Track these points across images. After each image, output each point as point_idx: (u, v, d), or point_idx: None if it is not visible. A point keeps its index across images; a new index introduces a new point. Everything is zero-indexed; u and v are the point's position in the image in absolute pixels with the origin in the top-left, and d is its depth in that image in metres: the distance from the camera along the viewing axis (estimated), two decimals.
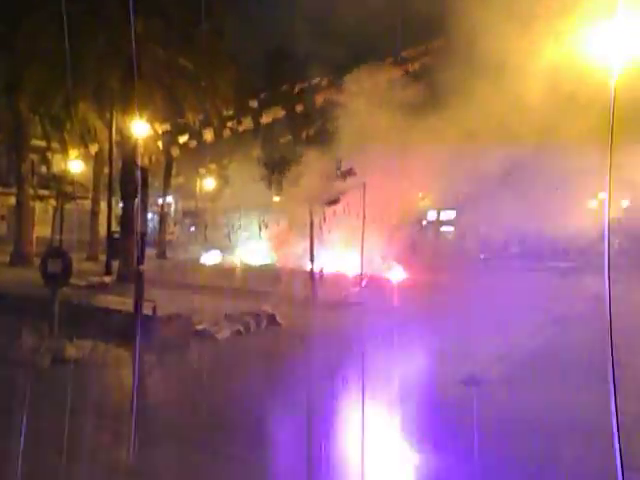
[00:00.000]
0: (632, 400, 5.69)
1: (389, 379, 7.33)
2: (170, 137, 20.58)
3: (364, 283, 17.68)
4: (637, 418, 5.32)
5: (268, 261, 24.96)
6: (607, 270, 2.08)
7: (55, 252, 8.19)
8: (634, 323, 10.42)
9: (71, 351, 7.60)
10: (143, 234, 9.91)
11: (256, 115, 19.93)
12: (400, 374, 7.53)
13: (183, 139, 20.61)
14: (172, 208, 38.94)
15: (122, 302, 9.83)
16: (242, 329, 10.00)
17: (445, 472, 4.73)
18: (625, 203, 28.59)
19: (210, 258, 24.08)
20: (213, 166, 31.97)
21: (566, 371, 7.94)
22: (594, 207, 34.11)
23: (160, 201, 29.78)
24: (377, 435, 5.54)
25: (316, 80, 21.41)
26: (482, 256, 31.65)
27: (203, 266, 22.83)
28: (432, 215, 37.41)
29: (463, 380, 7.22)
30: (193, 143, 21.14)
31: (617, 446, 2.07)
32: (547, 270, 25.94)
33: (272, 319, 10.77)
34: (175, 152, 22.47)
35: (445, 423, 5.75)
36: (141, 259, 9.05)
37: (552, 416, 6.02)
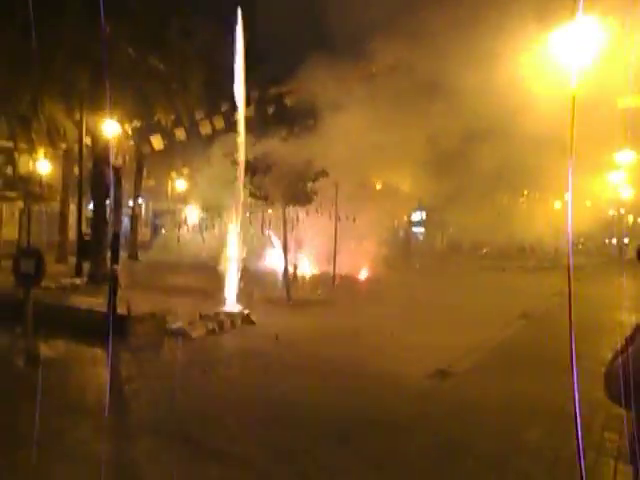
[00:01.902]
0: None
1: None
2: (141, 137, 20.43)
3: (336, 282, 17.92)
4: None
5: (243, 262, 24.96)
6: (570, 267, 2.31)
7: (28, 252, 8.14)
8: (590, 316, 11.00)
9: (45, 351, 7.58)
10: (116, 234, 9.86)
11: (228, 116, 19.96)
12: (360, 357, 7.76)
13: (154, 139, 20.47)
14: (143, 210, 38.55)
15: (95, 303, 9.81)
16: (217, 328, 10.09)
17: None
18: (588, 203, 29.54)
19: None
20: (185, 168, 31.80)
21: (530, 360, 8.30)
22: (559, 208, 35.13)
23: (131, 203, 29.50)
24: None
25: (289, 81, 21.58)
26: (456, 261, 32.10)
27: (177, 267, 22.72)
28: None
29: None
30: (164, 143, 21.01)
31: (578, 432, 2.27)
32: (515, 269, 26.62)
33: (247, 318, 10.88)
34: (146, 152, 22.27)
35: None
36: (115, 258, 9.04)
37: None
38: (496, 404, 6.36)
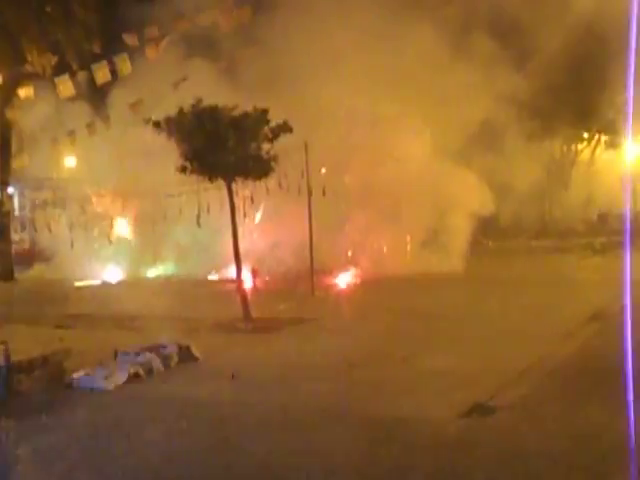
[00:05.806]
0: None
1: None
2: (5, 94, 20.20)
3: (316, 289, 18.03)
4: None
5: (172, 271, 25.04)
6: None
7: None
8: None
9: None
10: None
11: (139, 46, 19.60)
12: None
13: (24, 93, 20.19)
14: (16, 203, 38.11)
15: None
16: (142, 371, 10.09)
17: None
18: None
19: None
20: (75, 134, 31.45)
21: None
22: None
23: None
24: None
25: None
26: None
27: (78, 288, 22.66)
28: None
29: None
30: (42, 100, 20.79)
31: None
32: (579, 249, 27.25)
33: (186, 352, 10.92)
34: (13, 115, 21.98)
35: None
36: None
37: None
38: (560, 450, 6.49)
